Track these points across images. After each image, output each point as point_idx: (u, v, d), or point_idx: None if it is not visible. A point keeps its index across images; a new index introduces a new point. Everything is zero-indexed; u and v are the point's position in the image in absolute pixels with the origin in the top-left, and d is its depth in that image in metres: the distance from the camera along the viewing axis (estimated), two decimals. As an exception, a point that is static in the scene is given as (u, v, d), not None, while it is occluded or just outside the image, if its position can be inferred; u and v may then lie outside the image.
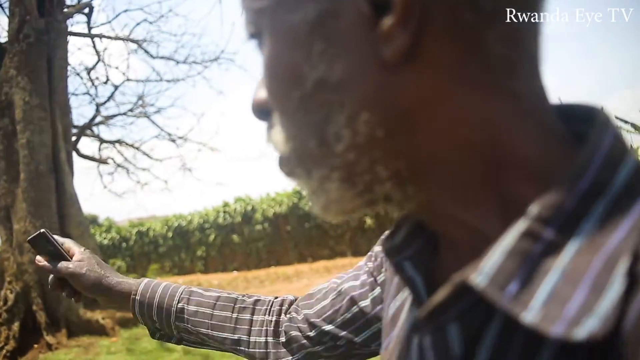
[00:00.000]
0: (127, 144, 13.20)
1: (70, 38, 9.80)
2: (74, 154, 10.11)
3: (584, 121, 0.42)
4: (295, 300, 0.97)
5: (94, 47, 11.69)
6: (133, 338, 7.24)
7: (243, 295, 0.99)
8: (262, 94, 0.47)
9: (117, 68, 12.60)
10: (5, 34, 8.57)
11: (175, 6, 28.28)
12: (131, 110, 12.94)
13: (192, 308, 0.97)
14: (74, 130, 10.89)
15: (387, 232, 0.52)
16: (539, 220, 0.36)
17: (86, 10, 10.64)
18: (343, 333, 0.84)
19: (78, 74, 12.29)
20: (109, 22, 12.42)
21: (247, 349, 0.94)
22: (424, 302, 0.46)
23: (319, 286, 0.92)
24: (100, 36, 11.34)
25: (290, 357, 0.91)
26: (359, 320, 0.83)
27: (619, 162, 0.37)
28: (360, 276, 0.84)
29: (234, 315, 0.96)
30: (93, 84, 12.56)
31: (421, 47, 0.38)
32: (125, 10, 12.13)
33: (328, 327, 0.86)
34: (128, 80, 12.48)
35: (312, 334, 0.88)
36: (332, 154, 0.42)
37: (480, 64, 0.38)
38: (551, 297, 0.34)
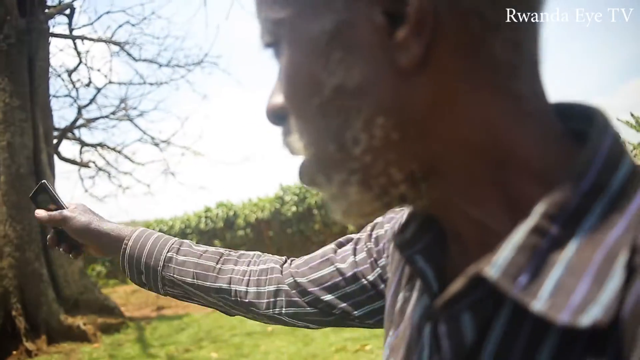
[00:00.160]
0: (108, 147, 13.09)
1: (52, 39, 9.66)
2: (55, 157, 9.96)
3: (582, 120, 0.44)
4: (285, 262, 0.99)
5: (76, 48, 11.57)
6: (115, 344, 7.14)
7: (235, 252, 1.01)
8: (278, 99, 0.49)
9: (99, 70, 12.46)
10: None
11: (158, 9, 28.13)
12: (113, 113, 12.84)
13: (180, 258, 0.97)
14: (55, 133, 10.74)
15: (397, 227, 0.55)
16: (546, 217, 0.39)
17: (67, 12, 10.53)
18: (342, 305, 0.85)
19: (59, 76, 12.16)
20: (91, 23, 12.22)
21: (229, 297, 0.94)
22: (435, 292, 0.50)
23: (314, 254, 0.94)
24: (82, 38, 11.23)
25: (272, 310, 0.92)
26: (360, 295, 0.84)
27: (618, 164, 0.40)
28: (359, 252, 0.85)
29: (218, 265, 0.97)
30: (74, 86, 12.44)
31: (433, 55, 0.40)
32: (107, 12, 12.04)
33: (327, 297, 0.87)
34: (110, 82, 12.37)
35: (306, 298, 0.89)
36: (350, 157, 0.44)
37: (485, 69, 0.41)
38: (558, 288, 0.37)
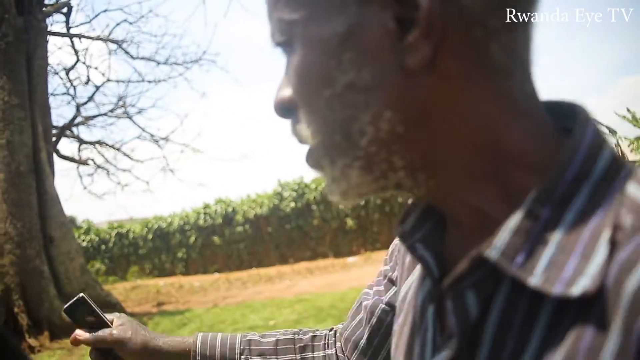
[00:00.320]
0: (107, 144, 13.09)
1: (49, 38, 9.66)
2: (54, 154, 9.97)
3: (567, 116, 0.49)
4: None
5: (73, 47, 11.57)
6: (118, 339, 7.16)
7: (298, 333, 1.00)
8: (286, 93, 0.53)
9: (96, 68, 12.46)
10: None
11: (156, 7, 28.04)
12: (112, 110, 12.83)
13: (256, 359, 0.98)
14: (54, 131, 10.74)
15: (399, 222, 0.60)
16: (537, 202, 0.44)
17: (65, 10, 10.52)
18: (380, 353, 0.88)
19: (57, 74, 12.15)
20: (89, 22, 12.22)
21: None
22: (435, 276, 0.54)
23: (354, 303, 0.95)
24: (80, 36, 11.23)
25: None
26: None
27: (599, 153, 0.45)
28: (381, 282, 0.88)
29: (297, 356, 0.97)
30: (72, 84, 12.43)
31: (438, 57, 0.45)
32: (105, 10, 12.02)
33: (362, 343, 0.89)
34: (109, 80, 12.37)
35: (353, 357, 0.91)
36: (355, 146, 0.48)
37: (484, 71, 0.45)
38: (551, 264, 0.42)
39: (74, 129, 12.93)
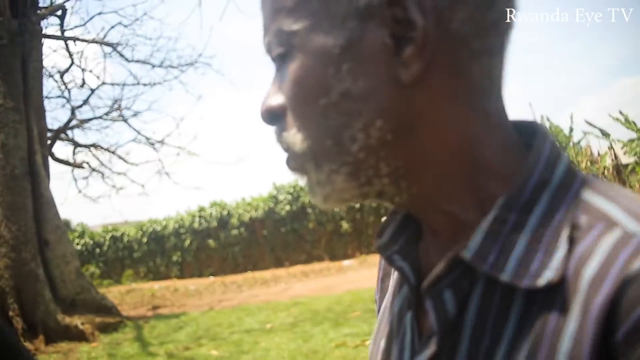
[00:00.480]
0: (102, 147, 13.04)
1: (44, 40, 9.63)
2: (49, 158, 9.93)
3: (529, 133, 0.55)
4: None
5: (68, 49, 11.53)
6: (114, 343, 7.15)
7: None
8: (275, 100, 0.56)
9: (91, 71, 12.44)
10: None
11: (150, 10, 27.99)
12: (107, 113, 12.80)
13: None
14: (48, 134, 10.69)
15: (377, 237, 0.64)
16: (505, 208, 0.50)
17: (59, 12, 10.48)
18: None
19: (52, 77, 12.12)
20: (84, 24, 12.17)
21: None
22: (413, 283, 0.58)
23: None
24: (74, 39, 11.20)
25: None
26: None
27: (556, 163, 0.52)
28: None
29: None
30: (67, 87, 12.39)
31: (428, 74, 0.49)
32: (100, 13, 12.13)
33: None
34: (104, 83, 12.34)
35: None
36: (345, 152, 0.52)
37: (465, 89, 0.51)
38: (519, 261, 0.48)
39: (69, 132, 12.90)
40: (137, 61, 12.07)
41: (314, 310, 7.73)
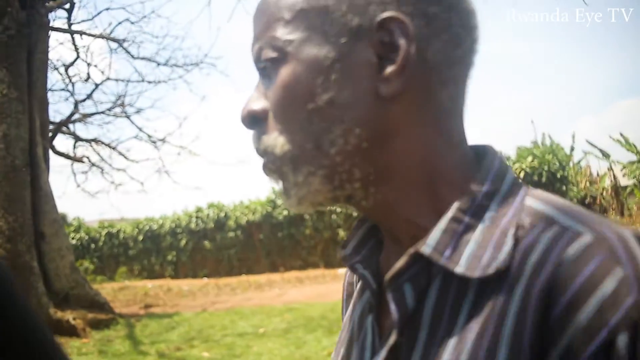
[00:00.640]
0: (103, 143, 13.01)
1: (51, 33, 9.62)
2: (49, 150, 9.90)
3: (483, 152, 0.62)
4: None
5: (74, 43, 11.53)
6: (105, 340, 7.10)
7: None
8: (258, 105, 0.61)
9: (96, 66, 12.43)
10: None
11: (158, 7, 28.04)
12: (110, 109, 12.77)
13: None
14: (50, 127, 10.66)
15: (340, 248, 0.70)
16: (460, 211, 0.57)
17: (67, 6, 10.50)
18: None
19: (57, 69, 12.10)
20: (91, 19, 12.26)
21: None
22: (373, 288, 0.63)
23: None
24: (81, 33, 11.22)
25: None
26: None
27: (504, 176, 0.59)
28: None
29: None
30: (71, 80, 12.38)
31: (404, 92, 0.57)
32: (107, 9, 12.07)
33: None
34: (108, 79, 12.33)
35: None
36: (324, 155, 0.57)
37: (432, 109, 0.58)
38: (472, 256, 0.54)
39: (71, 126, 12.87)
40: (143, 58, 12.07)
41: (307, 317, 7.69)
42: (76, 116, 12.57)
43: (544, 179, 13.08)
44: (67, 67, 12.11)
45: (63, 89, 12.61)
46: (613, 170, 14.67)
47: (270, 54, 0.59)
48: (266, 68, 0.60)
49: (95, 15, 12.57)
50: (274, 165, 0.60)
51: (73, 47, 11.61)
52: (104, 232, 17.93)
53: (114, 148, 13.07)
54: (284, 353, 5.84)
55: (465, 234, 0.55)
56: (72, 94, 12.52)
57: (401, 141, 0.58)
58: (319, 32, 0.57)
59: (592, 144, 14.79)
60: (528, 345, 0.48)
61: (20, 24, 8.18)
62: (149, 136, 12.88)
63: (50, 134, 10.58)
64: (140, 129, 12.88)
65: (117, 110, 12.79)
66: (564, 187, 13.28)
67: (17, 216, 7.66)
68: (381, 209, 0.61)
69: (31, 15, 8.35)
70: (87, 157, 13.11)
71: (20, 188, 7.82)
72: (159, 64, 12.20)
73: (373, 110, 0.57)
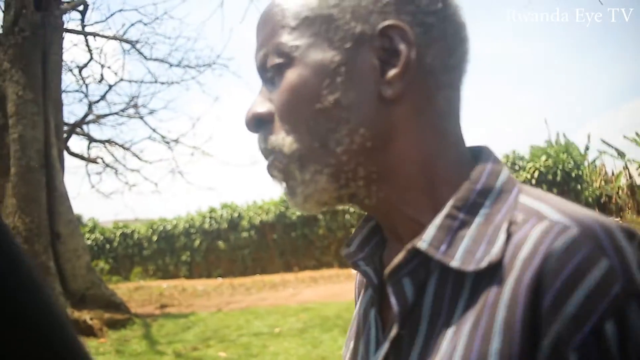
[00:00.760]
0: (117, 144, 13.07)
1: (65, 35, 9.67)
2: (64, 151, 9.94)
3: (478, 152, 0.65)
4: None
5: (87, 45, 11.58)
6: (122, 339, 7.11)
7: None
8: (263, 108, 0.64)
9: (109, 67, 12.46)
10: (0, 26, 8.42)
11: (171, 9, 28.18)
12: (123, 110, 12.83)
13: None
14: (65, 128, 10.72)
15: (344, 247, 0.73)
16: (455, 208, 0.59)
17: (81, 8, 10.55)
18: None
19: (70, 71, 12.17)
20: (104, 21, 12.32)
21: None
22: (375, 284, 0.67)
23: None
24: (95, 34, 11.25)
25: None
26: None
27: (498, 174, 0.62)
28: None
29: None
30: (84, 82, 12.45)
31: (405, 95, 0.60)
32: (120, 10, 12.19)
33: None
34: (121, 80, 12.38)
35: None
36: (330, 154, 0.60)
37: (430, 112, 0.62)
38: (466, 251, 0.56)
39: (85, 127, 12.94)
40: (156, 59, 12.11)
41: (323, 317, 7.66)
42: (90, 117, 12.66)
43: (558, 178, 12.93)
44: (80, 69, 12.19)
45: (77, 90, 12.72)
46: (628, 169, 14.52)
47: (277, 59, 0.62)
48: (270, 73, 0.63)
49: (109, 17, 12.61)
50: (281, 163, 0.63)
51: (87, 49, 11.69)
52: (118, 233, 18.01)
53: (127, 149, 13.15)
54: (300, 352, 5.82)
55: (461, 230, 0.58)
56: (86, 95, 12.62)
57: (402, 141, 0.61)
58: (324, 38, 0.60)
59: (607, 143, 14.66)
60: (520, 334, 0.50)
61: (35, 26, 8.22)
62: (163, 137, 12.94)
63: (64, 135, 10.64)
64: (153, 130, 12.96)
65: (131, 111, 12.86)
66: (579, 186, 13.12)
67: (34, 217, 7.70)
68: (383, 207, 0.64)
69: (46, 17, 8.40)
70: (101, 158, 13.21)
71: (36, 189, 7.86)
72: (171, 65, 12.26)
73: (376, 112, 0.60)
